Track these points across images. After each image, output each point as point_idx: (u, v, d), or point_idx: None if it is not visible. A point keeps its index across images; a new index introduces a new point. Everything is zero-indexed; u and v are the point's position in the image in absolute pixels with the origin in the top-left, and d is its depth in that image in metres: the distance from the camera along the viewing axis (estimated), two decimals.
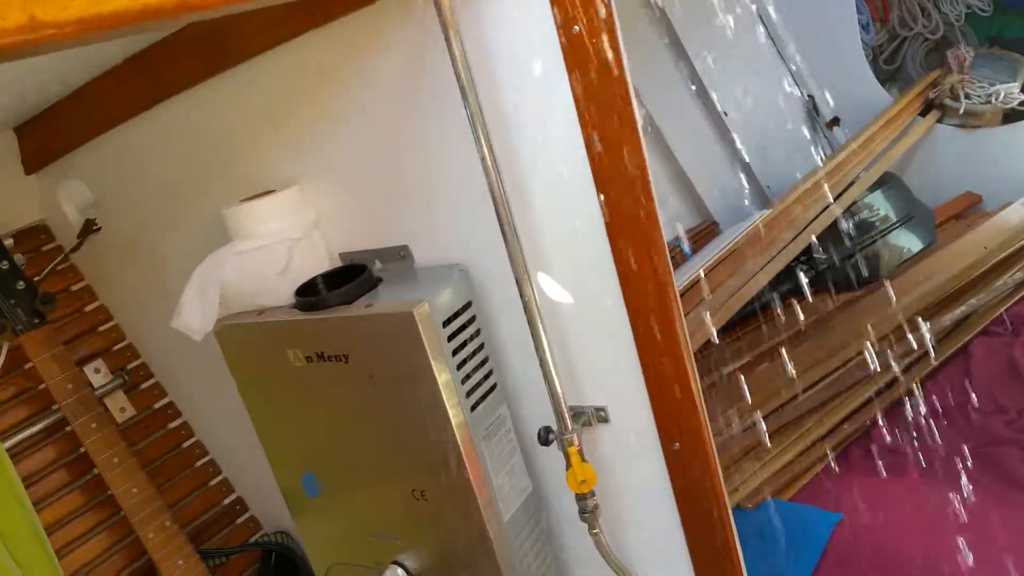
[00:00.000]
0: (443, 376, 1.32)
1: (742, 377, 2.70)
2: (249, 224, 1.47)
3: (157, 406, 2.19)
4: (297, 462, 1.57)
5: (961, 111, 3.84)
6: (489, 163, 1.25)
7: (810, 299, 3.27)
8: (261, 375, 1.52)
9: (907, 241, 3.52)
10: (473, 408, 1.39)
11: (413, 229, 1.50)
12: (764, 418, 2.50)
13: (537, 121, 1.27)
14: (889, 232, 3.51)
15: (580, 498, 1.42)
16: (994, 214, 3.53)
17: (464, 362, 1.37)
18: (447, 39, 1.19)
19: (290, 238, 1.48)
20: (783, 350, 2.79)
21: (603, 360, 1.41)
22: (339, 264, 1.58)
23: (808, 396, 2.56)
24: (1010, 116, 3.82)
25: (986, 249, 3.21)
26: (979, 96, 3.86)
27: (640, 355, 1.35)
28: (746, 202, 3.82)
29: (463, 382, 1.37)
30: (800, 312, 3.08)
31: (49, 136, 1.86)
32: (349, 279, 1.44)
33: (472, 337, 1.40)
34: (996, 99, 3.81)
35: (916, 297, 2.94)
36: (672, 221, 3.63)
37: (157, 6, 0.81)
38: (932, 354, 2.74)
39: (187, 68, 1.51)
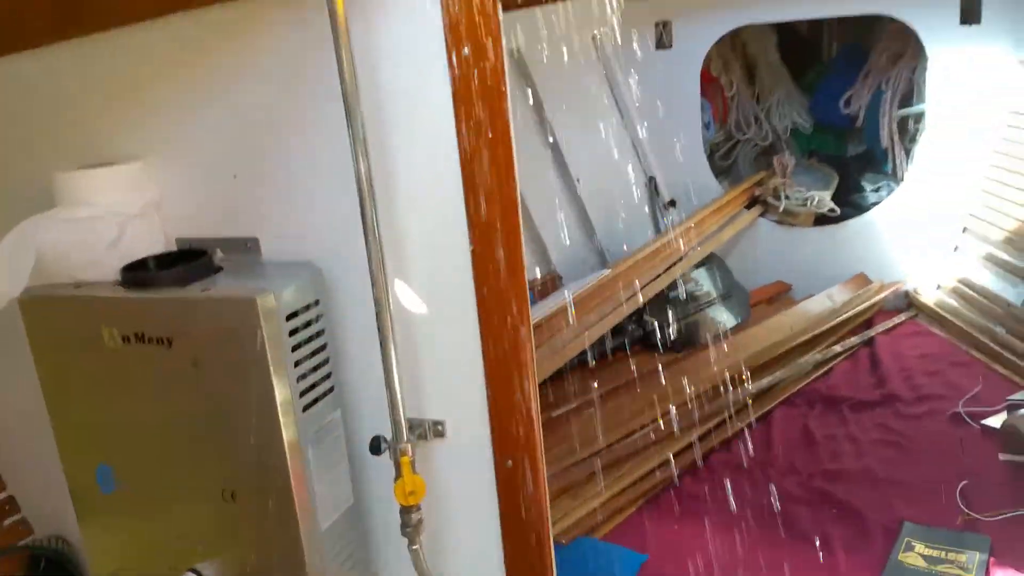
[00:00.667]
0: (278, 373, 1.25)
1: (569, 420, 2.74)
2: (82, 192, 1.34)
3: None
4: (92, 452, 1.40)
5: (781, 209, 4.22)
6: (360, 161, 1.21)
7: (637, 356, 3.41)
8: (66, 354, 1.36)
9: (724, 316, 3.77)
10: (305, 409, 1.32)
11: (265, 221, 1.42)
12: (584, 460, 2.54)
13: (411, 125, 1.25)
14: (710, 306, 3.75)
15: (405, 511, 1.36)
16: (800, 302, 3.87)
17: (302, 360, 1.31)
18: (335, 35, 1.16)
19: (125, 213, 1.36)
20: (604, 399, 2.87)
21: (448, 373, 1.39)
22: (176, 249, 1.46)
23: (626, 443, 2.64)
24: (821, 220, 4.24)
25: (792, 330, 3.49)
26: (797, 198, 4.26)
27: (486, 368, 1.34)
28: (588, 261, 3.96)
29: (298, 380, 1.30)
30: (628, 366, 3.19)
31: None
32: (185, 263, 1.33)
33: (315, 335, 1.33)
34: (811, 203, 4.23)
35: (730, 364, 3.12)
36: None
37: None
38: (737, 417, 2.91)
39: (38, 25, 1.37)
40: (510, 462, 1.38)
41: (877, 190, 4.26)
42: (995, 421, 2.72)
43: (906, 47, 4.15)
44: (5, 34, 1.37)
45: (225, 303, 1.22)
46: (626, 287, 3.38)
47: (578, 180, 4.01)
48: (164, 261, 1.37)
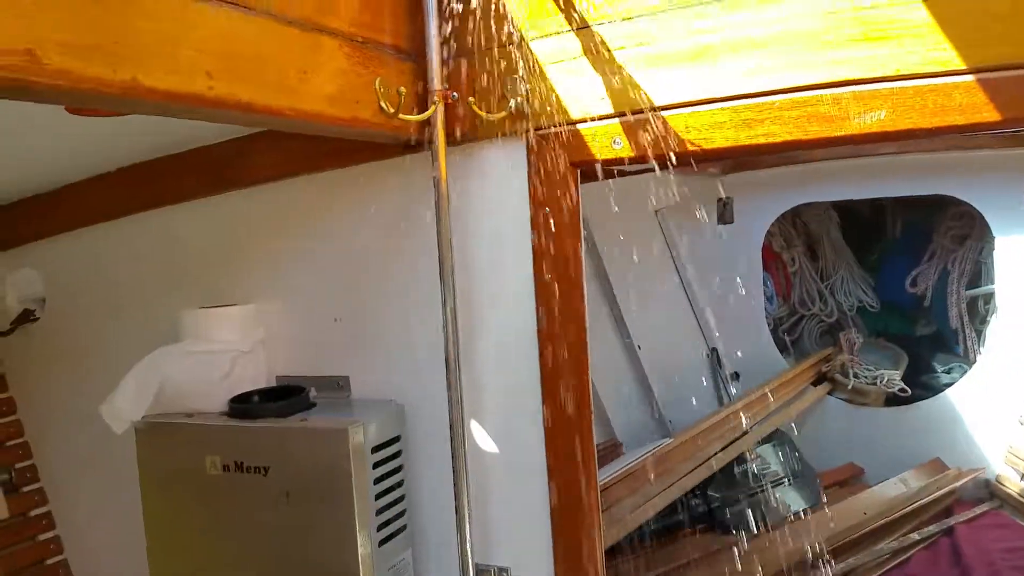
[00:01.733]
0: (361, 503, 1.39)
1: None
2: (203, 329, 1.57)
3: (33, 514, 2.07)
4: (181, 573, 1.53)
5: (850, 387, 4.27)
6: (449, 311, 1.41)
7: (698, 535, 3.39)
8: (170, 480, 1.53)
9: (792, 498, 3.74)
10: (381, 544, 1.43)
11: (355, 363, 1.62)
12: None
13: (497, 280, 1.46)
14: (777, 485, 3.74)
15: None
16: (873, 487, 3.82)
17: (382, 494, 1.44)
18: (437, 202, 1.40)
19: (238, 349, 1.57)
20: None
21: (516, 521, 1.50)
22: (276, 385, 1.66)
23: None
24: (891, 400, 4.26)
25: (865, 515, 3.44)
26: (866, 376, 4.32)
27: (553, 522, 1.45)
28: (649, 430, 4.03)
29: (377, 514, 1.43)
30: (688, 545, 3.18)
31: (19, 223, 1.95)
32: (285, 398, 1.52)
33: (395, 471, 1.48)
34: (880, 382, 4.28)
35: (800, 548, 3.09)
36: None
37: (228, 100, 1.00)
38: None
39: (184, 184, 1.68)
40: None
41: (949, 371, 4.30)
42: None
43: (971, 227, 4.35)
44: (164, 191, 1.68)
45: (319, 433, 1.39)
46: (688, 459, 3.43)
47: (639, 347, 4.18)
48: (266, 395, 1.57)
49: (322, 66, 1.25)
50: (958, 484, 3.75)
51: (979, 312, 4.31)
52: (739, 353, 4.53)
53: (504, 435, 1.50)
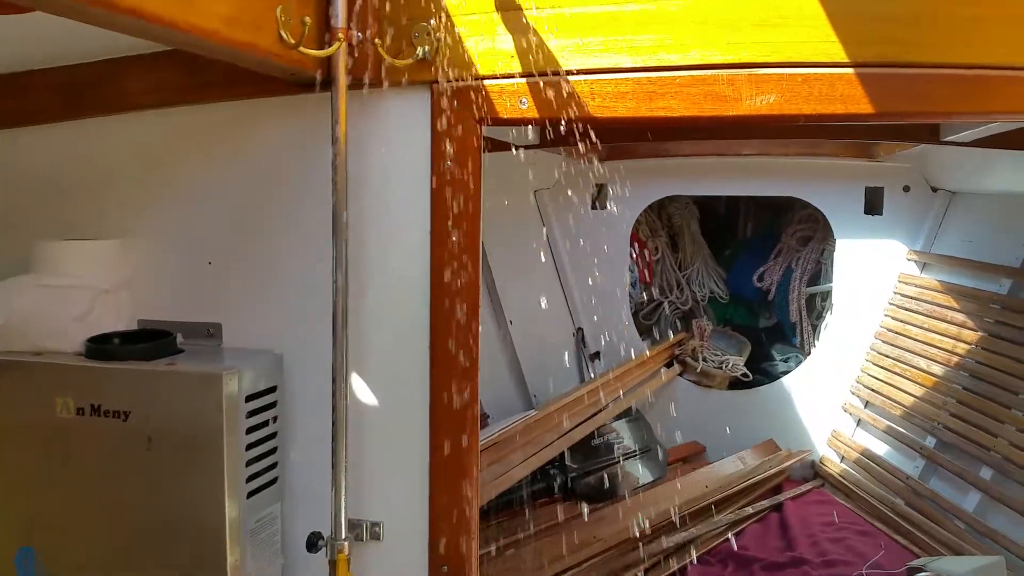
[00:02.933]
0: (231, 454, 1.30)
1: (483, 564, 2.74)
2: (59, 262, 1.41)
3: None
4: (17, 531, 1.37)
5: (699, 370, 4.49)
6: (342, 260, 1.33)
7: (555, 503, 3.46)
8: (13, 424, 1.36)
9: (642, 471, 3.89)
10: (249, 495, 1.35)
11: (229, 309, 1.51)
12: None
13: (392, 229, 1.40)
14: (629, 459, 3.87)
15: None
16: (713, 463, 4.04)
17: (254, 444, 1.35)
18: (334, 144, 1.32)
19: (98, 287, 1.42)
20: (518, 545, 2.89)
21: (392, 475, 1.45)
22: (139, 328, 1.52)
23: None
24: (734, 384, 4.52)
25: (706, 489, 3.63)
26: (713, 361, 4.55)
27: (432, 474, 1.41)
28: (515, 403, 4.06)
29: (247, 465, 1.34)
30: (546, 512, 3.24)
31: None
32: (148, 342, 1.39)
33: (269, 422, 1.39)
34: (726, 366, 4.52)
35: (649, 515, 3.21)
36: None
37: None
38: (652, 572, 2.97)
39: (48, 104, 1.49)
40: (445, 568, 1.42)
41: (786, 360, 4.61)
42: None
43: (815, 230, 4.66)
44: (13, 110, 1.48)
45: (191, 378, 1.28)
46: (550, 431, 3.49)
47: (511, 322, 4.20)
48: (127, 339, 1.43)
49: None
50: (788, 464, 4.03)
51: (816, 308, 4.64)
52: (604, 334, 4.65)
53: (387, 389, 1.45)
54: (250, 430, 1.34)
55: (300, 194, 1.43)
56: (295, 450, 1.48)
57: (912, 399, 3.67)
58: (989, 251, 3.52)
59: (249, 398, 1.33)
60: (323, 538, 1.40)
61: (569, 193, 4.55)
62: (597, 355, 4.67)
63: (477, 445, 1.40)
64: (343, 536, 1.37)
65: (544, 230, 4.55)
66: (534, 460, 3.30)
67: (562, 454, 3.59)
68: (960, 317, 3.56)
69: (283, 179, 1.46)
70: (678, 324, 5.19)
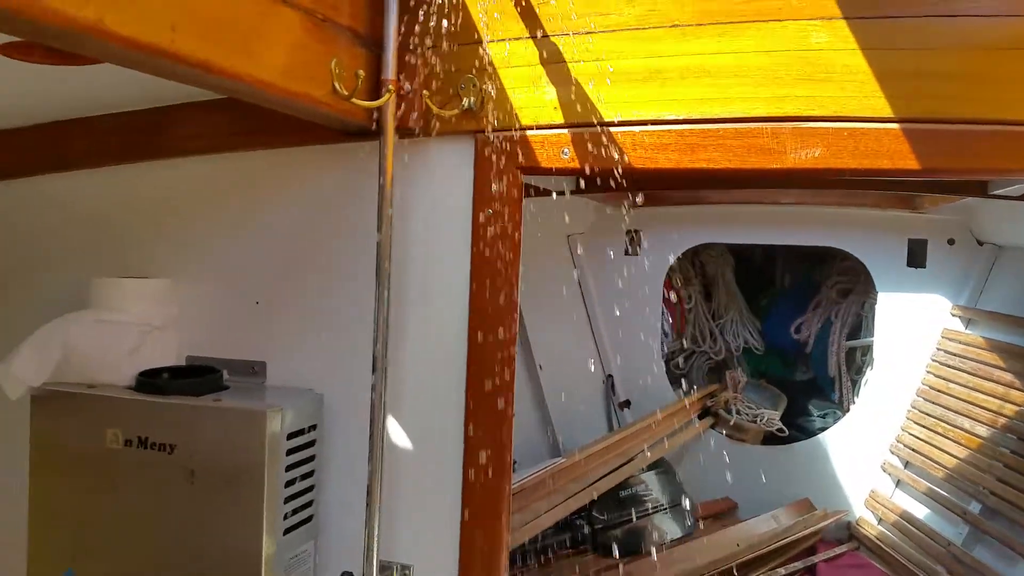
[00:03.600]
0: (271, 490, 1.36)
1: None
2: (114, 299, 1.50)
3: None
4: (63, 554, 1.44)
5: (731, 423, 4.48)
6: (383, 305, 1.40)
7: (580, 556, 3.46)
8: (64, 453, 1.44)
9: (670, 526, 3.88)
10: (286, 532, 1.40)
11: (274, 348, 1.58)
12: None
13: (433, 275, 1.47)
14: (657, 512, 3.87)
15: None
16: (746, 521, 4.02)
17: (292, 483, 1.41)
18: (380, 191, 1.40)
19: (150, 324, 1.51)
20: None
21: (424, 520, 1.50)
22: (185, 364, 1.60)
23: None
24: (768, 439, 4.50)
25: (737, 547, 3.61)
26: (747, 414, 4.55)
27: (463, 520, 1.46)
28: (541, 449, 4.08)
29: (285, 502, 1.40)
30: (570, 565, 3.23)
31: None
32: (196, 377, 1.47)
33: (308, 460, 1.45)
34: (760, 420, 4.51)
35: (675, 573, 3.20)
36: None
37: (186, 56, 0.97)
38: None
39: (107, 148, 1.60)
40: None
41: (824, 416, 4.59)
42: None
43: (855, 283, 4.67)
44: (73, 153, 1.59)
45: (235, 413, 1.35)
46: (577, 480, 3.51)
47: (540, 367, 4.25)
48: (175, 373, 1.51)
49: (281, 36, 1.23)
50: (823, 524, 3.99)
51: (856, 362, 4.63)
52: (632, 383, 4.67)
53: (422, 432, 1.50)
54: (290, 467, 1.40)
55: (345, 238, 1.51)
56: (330, 489, 1.53)
57: (955, 461, 3.63)
58: None
59: (291, 436, 1.39)
60: None
61: (602, 238, 4.62)
62: (627, 403, 4.69)
63: (509, 491, 1.45)
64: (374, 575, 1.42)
65: (576, 275, 4.61)
66: (560, 509, 3.31)
67: (589, 504, 3.60)
68: (1007, 376, 3.54)
69: (329, 223, 1.54)
70: (710, 375, 5.20)
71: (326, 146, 1.52)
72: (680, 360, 5.22)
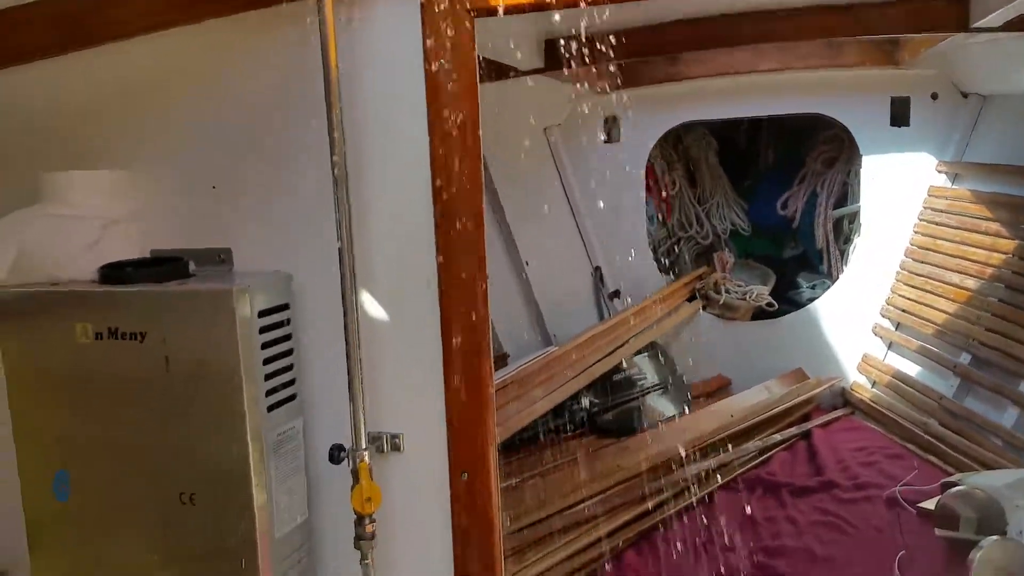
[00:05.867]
0: (248, 370, 1.37)
1: (511, 492, 2.85)
2: (66, 193, 1.48)
3: None
4: (52, 457, 1.47)
5: (721, 302, 4.53)
6: (341, 173, 1.38)
7: (579, 437, 3.56)
8: (36, 353, 1.45)
9: (664, 405, 3.98)
10: (269, 410, 1.42)
11: (238, 234, 1.57)
12: (525, 528, 2.63)
13: (391, 144, 1.45)
14: (651, 393, 3.96)
15: (359, 521, 1.46)
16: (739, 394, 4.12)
17: (270, 360, 1.42)
18: (324, 53, 1.36)
19: (107, 216, 1.49)
20: (546, 475, 2.99)
21: (408, 387, 1.53)
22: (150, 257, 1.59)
23: (567, 514, 2.75)
24: (759, 315, 4.56)
25: (732, 418, 3.70)
26: (736, 292, 4.59)
27: (446, 381, 1.49)
28: (535, 343, 4.14)
29: (265, 380, 1.41)
30: (569, 446, 3.33)
31: None
32: (161, 266, 1.46)
33: (283, 339, 1.46)
34: (750, 297, 4.56)
35: (672, 446, 3.29)
36: None
37: None
38: (679, 498, 3.07)
39: (40, 40, 1.54)
40: (466, 475, 1.50)
41: (813, 287, 4.64)
42: (930, 504, 2.93)
43: (840, 151, 4.65)
44: (7, 48, 1.54)
45: (201, 296, 1.35)
46: (571, 367, 3.57)
47: (527, 263, 4.26)
48: (141, 266, 1.50)
49: None
50: (817, 392, 4.09)
51: (844, 231, 4.64)
52: (621, 273, 4.70)
53: (397, 304, 1.51)
54: (265, 345, 1.41)
55: (297, 111, 1.47)
56: (313, 367, 1.55)
57: (945, 316, 3.70)
58: None
59: (262, 314, 1.40)
60: (344, 450, 1.48)
61: (580, 128, 4.56)
62: (616, 294, 4.73)
63: (490, 349, 1.47)
64: (364, 446, 1.45)
65: (556, 168, 4.57)
66: (555, 395, 3.39)
67: (585, 390, 3.67)
68: (994, 227, 3.57)
69: (278, 97, 1.51)
70: (698, 260, 5.22)
71: (272, 10, 1.46)
72: (668, 247, 5.25)
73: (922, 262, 3.93)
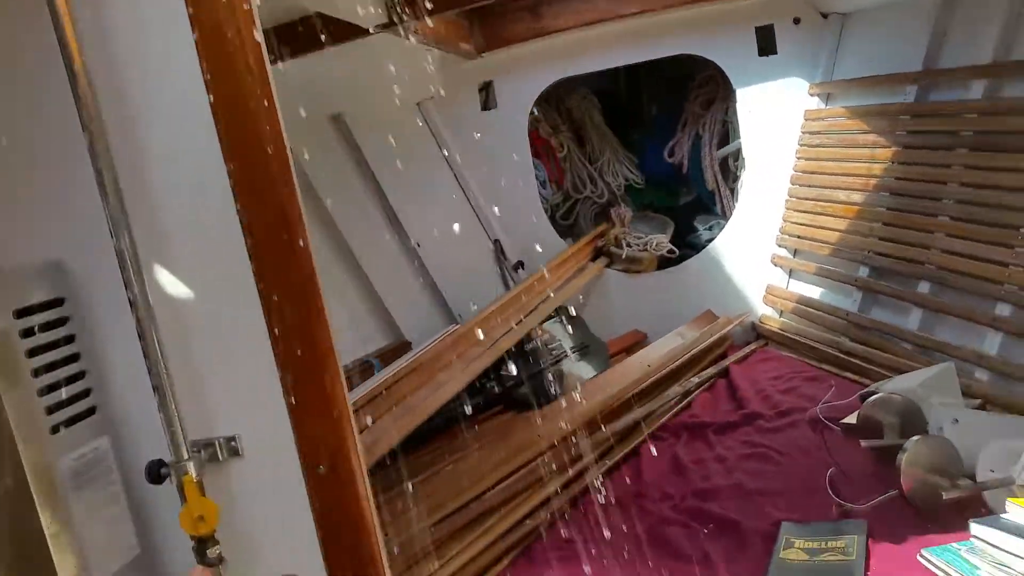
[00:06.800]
0: (9, 382, 1.04)
1: (432, 480, 2.57)
2: None
3: None
4: None
5: (624, 256, 4.34)
6: (98, 134, 1.07)
7: (495, 414, 3.31)
8: None
9: (583, 369, 3.76)
10: (55, 430, 1.10)
11: None
12: (447, 517, 2.36)
13: (156, 86, 1.14)
14: (566, 358, 3.74)
15: (199, 543, 1.15)
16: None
17: (45, 369, 1.10)
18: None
19: None
20: (464, 458, 2.73)
21: (239, 382, 1.23)
22: None
23: (492, 494, 2.48)
24: (664, 264, 4.39)
25: (649, 367, 3.51)
26: (638, 244, 4.41)
27: (280, 366, 1.19)
28: (440, 327, 3.86)
29: (41, 394, 1.09)
30: (487, 424, 3.07)
31: None
32: None
33: (62, 342, 1.13)
34: (651, 247, 4.39)
35: (591, 408, 3.07)
36: (365, 341, 3.58)
37: None
38: (605, 458, 2.84)
39: None
40: (323, 468, 1.21)
41: (710, 229, 4.50)
42: (852, 418, 2.80)
43: (716, 91, 4.51)
44: None
45: None
46: (477, 344, 3.31)
47: (418, 245, 3.98)
48: None
49: None
50: (727, 330, 3.95)
51: (731, 170, 4.51)
52: (521, 243, 4.46)
53: (204, 291, 1.20)
54: (33, 352, 1.09)
55: (38, 70, 1.15)
56: (116, 374, 1.23)
57: (839, 235, 3.58)
58: (891, 64, 3.40)
59: (21, 314, 1.08)
60: (167, 465, 1.17)
61: (455, 99, 4.29)
62: (520, 264, 4.49)
63: (325, 318, 1.18)
64: (185, 457, 1.15)
65: (437, 143, 4.30)
66: (465, 375, 3.11)
67: (496, 365, 3.42)
68: (871, 138, 3.46)
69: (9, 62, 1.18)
70: (597, 220, 5.02)
71: None
72: (566, 210, 5.04)
73: (808, 186, 3.81)
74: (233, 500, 1.24)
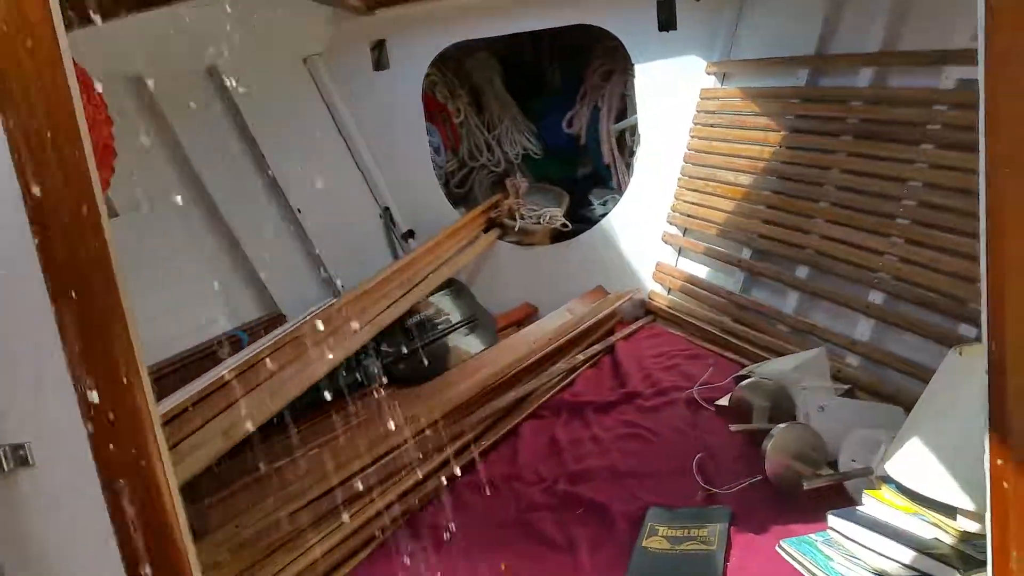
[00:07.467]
0: None
1: (296, 464, 2.45)
2: None
3: None
4: None
5: (516, 228, 4.27)
6: None
7: (374, 390, 3.20)
8: None
9: (470, 343, 3.69)
10: None
11: None
12: (317, 499, 2.26)
13: None
14: (453, 332, 3.66)
15: None
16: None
17: None
18: None
19: None
20: (331, 442, 2.62)
21: (16, 380, 1.08)
22: None
23: (360, 478, 2.39)
24: (557, 238, 4.35)
25: (534, 344, 3.47)
26: (531, 217, 4.35)
27: (70, 358, 1.06)
28: (319, 299, 3.71)
29: None
30: (360, 404, 2.97)
31: None
32: None
33: None
34: (544, 220, 4.35)
35: (472, 385, 3.01)
36: (236, 313, 3.39)
37: None
38: (484, 437, 2.80)
39: None
40: (122, 481, 1.09)
41: (604, 203, 4.48)
42: (725, 400, 2.85)
43: (616, 63, 4.46)
44: None
45: None
46: (356, 317, 3.19)
47: (299, 211, 3.79)
48: None
49: None
50: (616, 306, 3.94)
51: (627, 144, 4.50)
52: (412, 211, 4.33)
53: None
54: None
55: None
56: None
57: (726, 215, 3.62)
58: (787, 47, 3.42)
59: None
60: None
61: (345, 56, 4.08)
62: (411, 233, 4.36)
63: (124, 309, 1.05)
64: None
65: (324, 102, 4.09)
66: (341, 351, 2.99)
67: (377, 339, 3.31)
68: (763, 120, 3.49)
69: None
70: (492, 189, 4.93)
71: None
72: (460, 178, 4.92)
73: (700, 165, 3.83)
74: (26, 513, 1.11)
